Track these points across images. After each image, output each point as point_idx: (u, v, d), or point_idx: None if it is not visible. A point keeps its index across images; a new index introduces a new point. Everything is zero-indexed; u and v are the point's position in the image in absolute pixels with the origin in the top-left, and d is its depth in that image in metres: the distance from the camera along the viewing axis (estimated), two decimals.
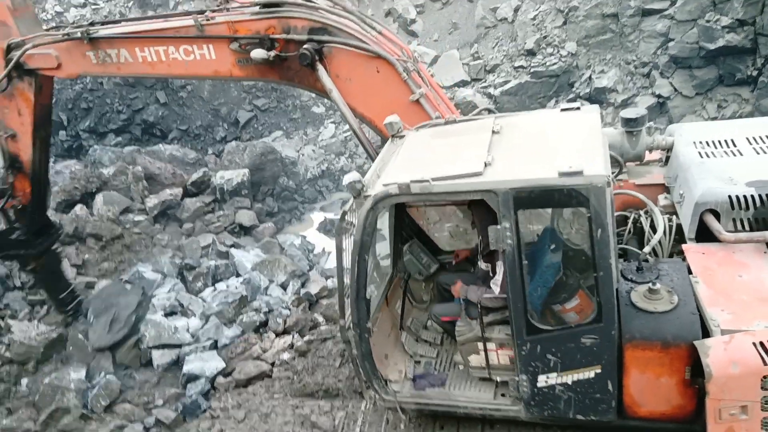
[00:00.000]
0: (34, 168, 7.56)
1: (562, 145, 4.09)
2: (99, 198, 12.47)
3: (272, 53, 5.76)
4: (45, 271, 8.71)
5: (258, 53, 5.77)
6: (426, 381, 4.87)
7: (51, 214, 9.79)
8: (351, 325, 4.40)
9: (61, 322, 9.32)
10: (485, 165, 3.93)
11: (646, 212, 5.01)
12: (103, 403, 7.83)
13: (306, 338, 8.75)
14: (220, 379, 8.36)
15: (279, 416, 7.21)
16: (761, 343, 3.35)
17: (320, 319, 9.46)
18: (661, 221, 4.64)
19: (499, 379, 4.57)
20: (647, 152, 5.48)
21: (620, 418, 4.05)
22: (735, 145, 4.82)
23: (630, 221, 5.12)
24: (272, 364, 8.47)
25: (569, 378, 3.98)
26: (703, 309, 3.74)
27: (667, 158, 5.35)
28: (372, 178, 4.29)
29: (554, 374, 4.00)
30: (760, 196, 4.15)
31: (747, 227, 4.21)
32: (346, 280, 4.27)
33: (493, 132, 4.44)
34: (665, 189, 5.25)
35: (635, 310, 3.87)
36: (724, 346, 3.42)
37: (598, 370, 3.88)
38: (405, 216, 5.50)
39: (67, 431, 7.59)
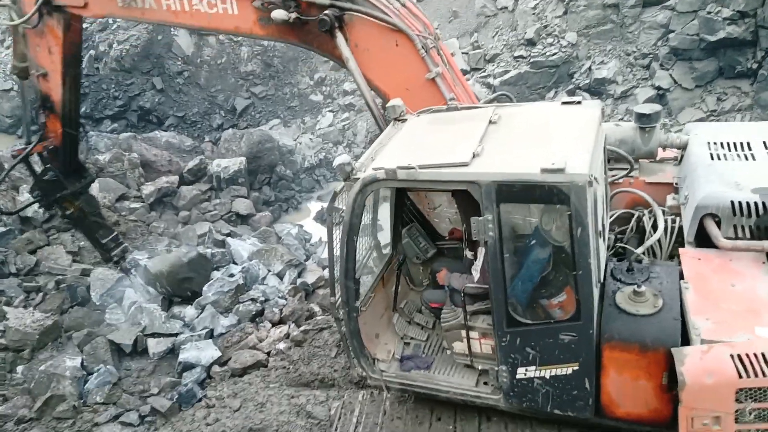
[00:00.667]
0: (64, 108, 7.63)
1: (554, 139, 4.05)
2: (95, 185, 12.37)
3: (293, 15, 5.71)
4: (84, 216, 8.82)
5: (279, 14, 5.73)
6: (413, 363, 4.92)
7: None
8: (340, 303, 4.46)
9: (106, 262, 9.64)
10: (473, 156, 3.91)
11: (650, 212, 4.95)
12: (99, 399, 7.85)
13: (302, 328, 8.76)
14: (216, 368, 8.38)
15: (274, 406, 7.22)
16: (738, 356, 3.30)
17: (316, 308, 9.47)
18: (661, 222, 4.58)
19: (480, 367, 4.59)
20: (660, 149, 5.38)
21: (597, 417, 4.06)
22: (750, 149, 4.65)
23: (633, 220, 5.09)
24: (268, 354, 8.48)
25: (547, 372, 4.00)
26: (688, 316, 3.70)
27: (682, 157, 5.20)
28: (367, 161, 4.31)
29: (533, 368, 4.02)
30: (764, 203, 3.99)
31: (748, 235, 4.07)
32: (336, 259, 4.33)
33: (490, 122, 4.41)
34: (675, 189, 5.14)
35: (617, 311, 3.87)
36: (700, 356, 3.38)
37: (576, 368, 3.90)
38: (406, 199, 5.50)
39: (63, 419, 7.59)
